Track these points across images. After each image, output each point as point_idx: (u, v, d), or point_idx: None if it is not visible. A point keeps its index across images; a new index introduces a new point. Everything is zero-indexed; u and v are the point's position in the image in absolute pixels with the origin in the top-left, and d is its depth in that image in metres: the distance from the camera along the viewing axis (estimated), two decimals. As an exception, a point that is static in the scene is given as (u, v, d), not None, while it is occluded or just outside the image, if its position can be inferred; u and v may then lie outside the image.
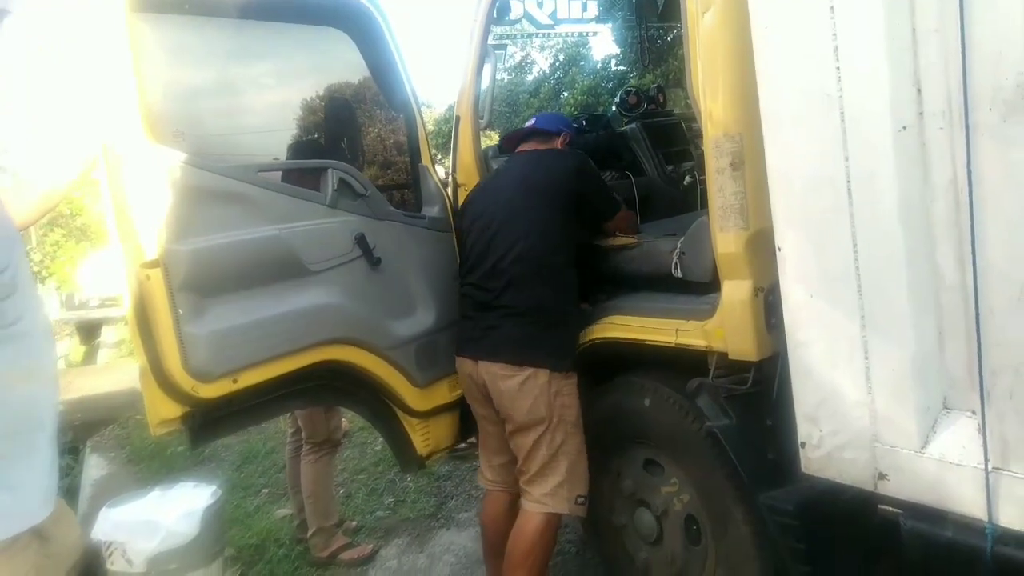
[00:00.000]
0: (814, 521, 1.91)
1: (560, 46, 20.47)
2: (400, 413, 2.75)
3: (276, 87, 2.80)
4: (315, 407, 3.23)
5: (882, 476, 1.46)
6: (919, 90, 1.30)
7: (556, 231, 2.51)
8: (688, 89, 2.05)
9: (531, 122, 2.90)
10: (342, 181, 2.53)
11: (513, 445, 2.55)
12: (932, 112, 1.28)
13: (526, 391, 2.42)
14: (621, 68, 18.47)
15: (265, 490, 4.55)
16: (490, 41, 2.92)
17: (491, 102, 2.89)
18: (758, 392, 2.01)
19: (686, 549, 2.34)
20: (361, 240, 2.54)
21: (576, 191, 2.53)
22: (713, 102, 1.90)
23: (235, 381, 2.24)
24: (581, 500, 2.43)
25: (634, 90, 3.47)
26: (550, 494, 2.43)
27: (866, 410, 1.47)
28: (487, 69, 2.89)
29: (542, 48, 21.02)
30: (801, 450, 1.65)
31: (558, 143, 2.75)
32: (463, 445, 3.20)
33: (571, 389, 2.47)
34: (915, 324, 1.37)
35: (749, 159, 1.84)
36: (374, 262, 2.58)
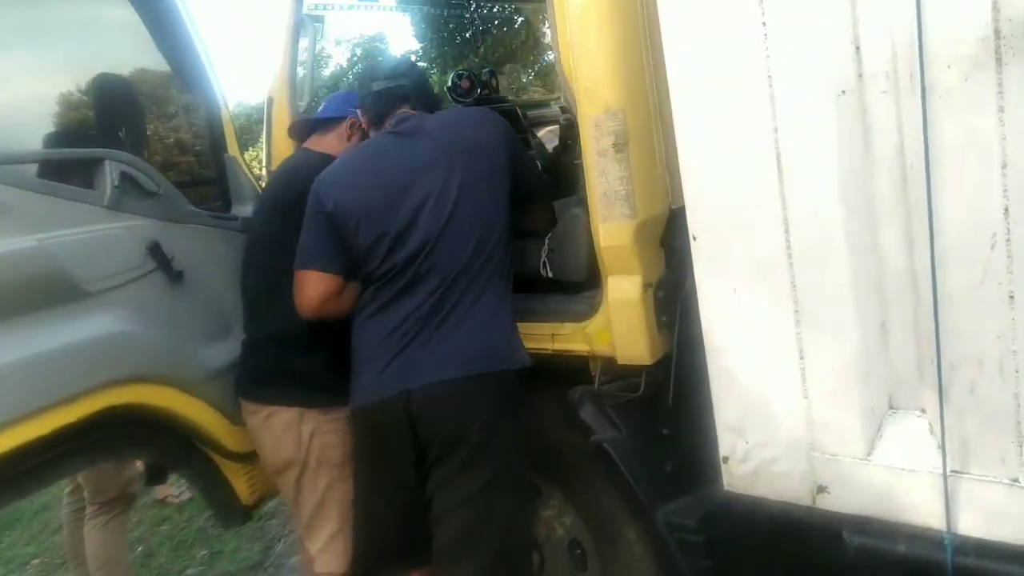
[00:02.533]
0: (721, 535, 1.76)
1: (357, 40, 19.80)
2: (217, 458, 2.25)
3: (22, 58, 2.17)
4: (104, 464, 2.60)
5: (822, 489, 1.31)
6: (858, 48, 1.13)
7: (283, 243, 2.07)
8: (557, 66, 1.81)
9: (320, 108, 2.44)
10: (125, 176, 1.99)
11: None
12: (873, 74, 1.13)
13: (267, 429, 2.10)
14: (421, 65, 18.22)
15: (36, 560, 3.74)
16: (306, 11, 2.49)
17: (311, 80, 2.46)
18: (651, 398, 1.81)
19: (572, 577, 2.11)
20: (155, 249, 2.02)
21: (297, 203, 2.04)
22: (590, 77, 1.67)
23: (-17, 447, 1.65)
24: None
25: (466, 74, 3.19)
26: (324, 550, 2.10)
27: (802, 417, 1.30)
28: (304, 42, 2.46)
29: (338, 42, 20.21)
30: (723, 465, 1.46)
31: (343, 130, 2.25)
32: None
33: (336, 426, 2.09)
34: (858, 317, 1.21)
35: (634, 139, 1.64)
36: (174, 276, 2.07)
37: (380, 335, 1.86)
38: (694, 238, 1.37)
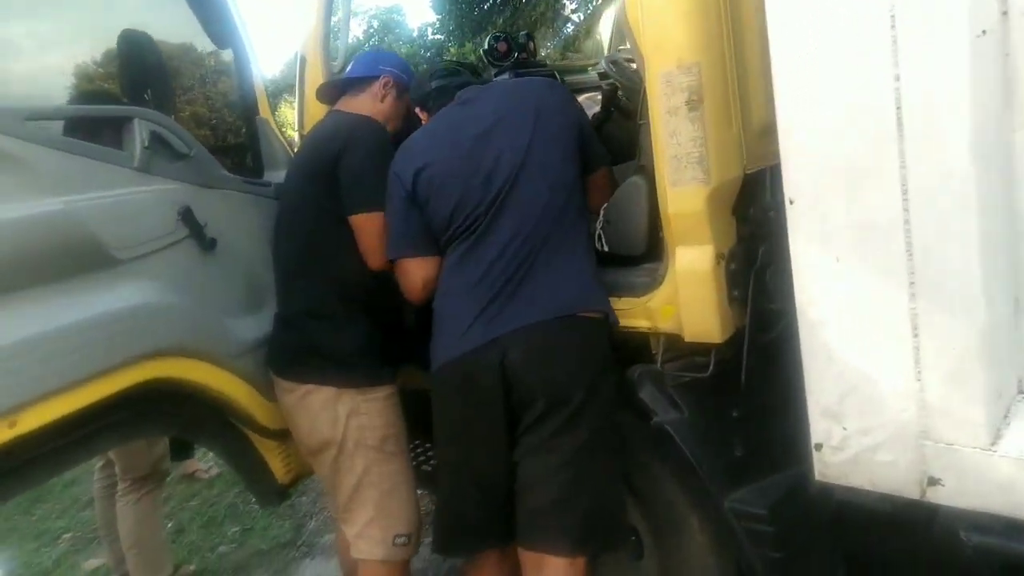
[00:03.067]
0: (792, 524, 1.64)
1: (373, 12, 19.53)
2: (252, 435, 2.16)
3: (44, 16, 2.05)
4: (135, 441, 2.52)
5: (933, 481, 1.18)
6: (1004, -21, 0.98)
7: (318, 211, 2.02)
8: (621, 16, 1.67)
9: (349, 68, 2.30)
10: (155, 136, 1.88)
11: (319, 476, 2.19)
12: (1022, 11, 0.97)
13: (303, 409, 2.01)
14: (438, 37, 17.98)
15: (67, 535, 3.70)
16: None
17: (347, 38, 2.32)
18: (718, 378, 1.68)
19: (627, 565, 1.99)
20: (187, 215, 1.92)
21: (334, 167, 1.97)
22: (660, 26, 1.53)
23: (12, 425, 1.56)
24: (402, 540, 1.99)
25: (503, 36, 3.03)
26: (361, 535, 2.01)
27: (912, 400, 1.17)
28: (340, -2, 2.32)
29: (354, 14, 19.92)
30: (816, 453, 1.33)
31: (377, 90, 2.13)
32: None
33: (374, 407, 2.00)
34: (987, 289, 1.07)
35: (709, 95, 1.50)
36: (207, 244, 1.97)
37: (464, 290, 1.78)
38: (791, 202, 1.22)
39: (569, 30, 14.92)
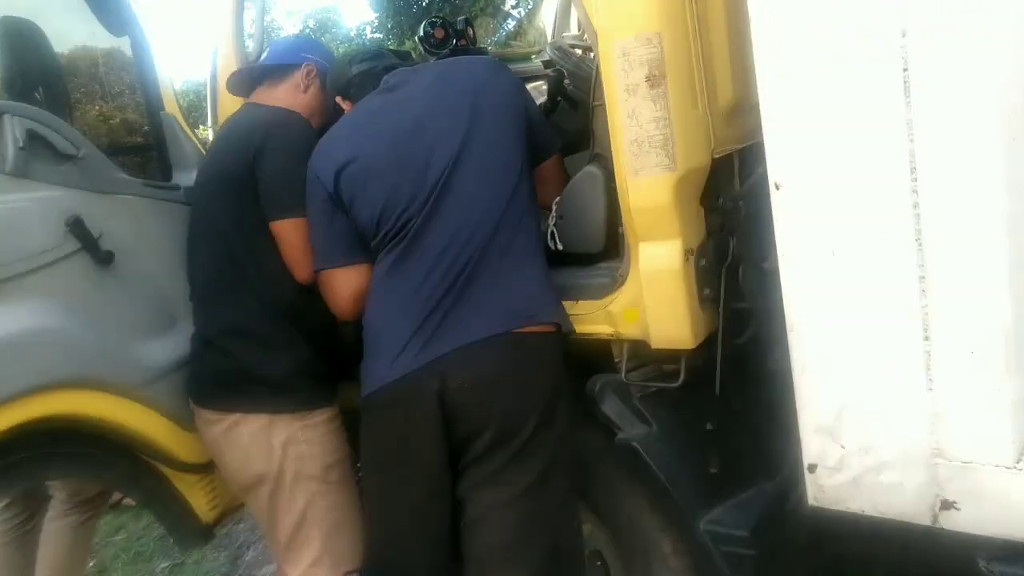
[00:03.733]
0: (774, 546, 1.49)
1: (309, 11, 19.07)
2: (168, 471, 1.91)
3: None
4: (23, 489, 2.23)
5: (947, 505, 1.02)
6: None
7: (235, 216, 1.79)
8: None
9: (265, 55, 2.04)
10: (32, 135, 1.62)
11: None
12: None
13: (231, 442, 1.79)
14: (377, 36, 17.66)
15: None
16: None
17: (262, 23, 2.08)
18: (690, 387, 1.52)
19: (593, 595, 1.82)
20: (77, 225, 1.66)
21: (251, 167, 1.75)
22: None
23: None
24: None
25: (440, 22, 2.82)
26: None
27: (923, 413, 1.02)
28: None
29: (289, 13, 19.46)
30: (809, 475, 1.17)
31: (299, 80, 1.91)
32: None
33: (314, 433, 1.80)
34: (1014, 283, 0.92)
35: (672, 70, 1.33)
36: (102, 257, 1.71)
37: (397, 302, 1.57)
38: (776, 186, 1.06)
39: (510, 26, 14.80)
